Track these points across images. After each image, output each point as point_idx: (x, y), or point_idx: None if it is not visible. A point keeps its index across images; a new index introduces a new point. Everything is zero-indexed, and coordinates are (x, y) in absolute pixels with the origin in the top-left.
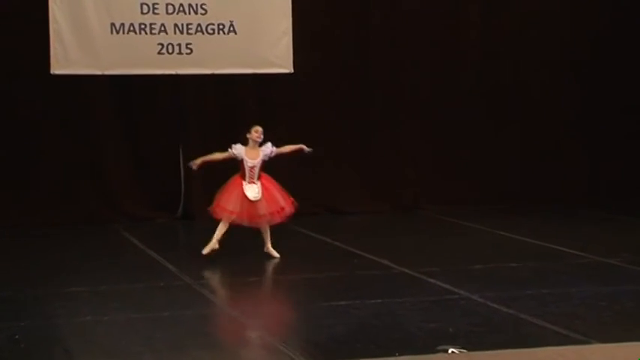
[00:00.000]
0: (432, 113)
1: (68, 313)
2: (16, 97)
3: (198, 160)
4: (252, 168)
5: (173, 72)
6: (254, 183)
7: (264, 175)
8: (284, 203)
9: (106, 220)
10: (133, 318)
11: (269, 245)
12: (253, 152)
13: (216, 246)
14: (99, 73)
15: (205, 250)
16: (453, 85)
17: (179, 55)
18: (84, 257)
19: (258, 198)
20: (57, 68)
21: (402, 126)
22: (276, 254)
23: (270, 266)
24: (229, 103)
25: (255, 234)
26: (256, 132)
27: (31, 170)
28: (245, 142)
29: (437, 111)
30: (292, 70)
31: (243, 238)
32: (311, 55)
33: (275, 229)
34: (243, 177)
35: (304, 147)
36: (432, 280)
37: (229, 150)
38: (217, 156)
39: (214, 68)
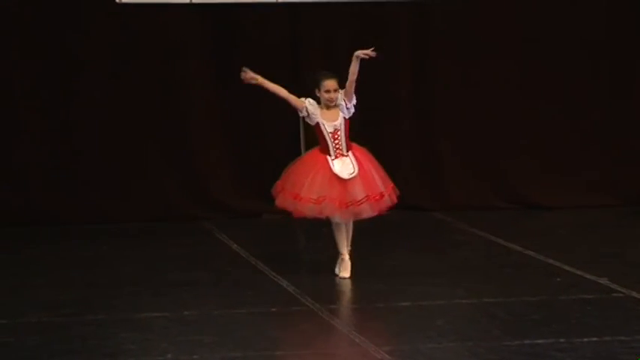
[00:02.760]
0: None
1: (141, 348)
2: (71, 39)
3: (258, 78)
4: (335, 133)
5: None
6: (344, 156)
7: (355, 146)
8: (384, 188)
9: (194, 216)
10: (232, 358)
11: (347, 251)
12: (330, 112)
13: (348, 260)
14: (185, 1)
15: (344, 273)
16: None
17: None
18: (163, 268)
19: (354, 174)
20: None
21: (633, 87)
22: (345, 275)
23: (426, 285)
24: (371, 42)
25: (407, 230)
26: (327, 92)
27: (87, 145)
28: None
29: None
30: None
31: (384, 239)
32: None
33: (434, 229)
34: (326, 150)
35: (360, 53)
36: None
37: (305, 100)
38: (281, 92)
39: None
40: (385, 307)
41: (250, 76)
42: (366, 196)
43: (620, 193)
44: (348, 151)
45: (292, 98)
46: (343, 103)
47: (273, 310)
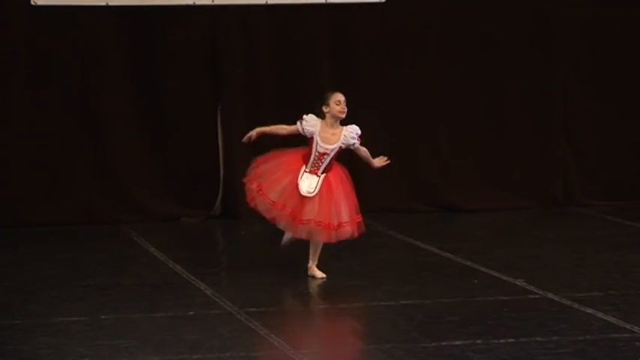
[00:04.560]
0: (603, 77)
1: (58, 353)
2: None
3: (254, 132)
4: (322, 155)
5: (209, 2)
6: (316, 175)
7: (337, 168)
8: (344, 219)
9: (111, 220)
10: None
11: (313, 263)
12: (331, 133)
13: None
14: (101, 3)
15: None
16: None
17: None
18: (81, 272)
19: (311, 194)
20: None
21: (554, 90)
22: (320, 275)
23: (348, 287)
24: (291, 44)
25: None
26: (338, 103)
27: (3, 148)
28: (320, 115)
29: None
30: None
31: (302, 241)
32: None
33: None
34: (306, 160)
35: (376, 164)
36: (590, 311)
37: (298, 123)
38: (281, 130)
39: None
40: (304, 310)
41: (251, 136)
42: (313, 220)
43: (536, 195)
44: (322, 173)
45: (291, 130)
46: (354, 141)
47: (192, 313)
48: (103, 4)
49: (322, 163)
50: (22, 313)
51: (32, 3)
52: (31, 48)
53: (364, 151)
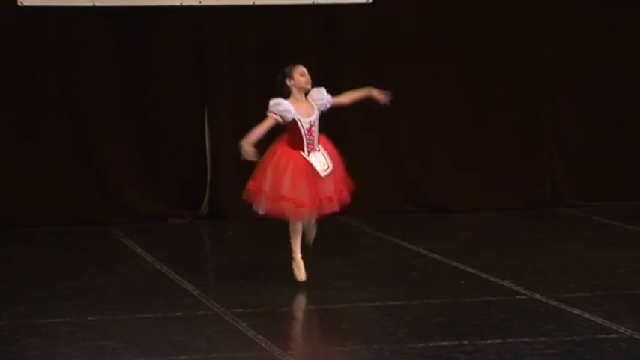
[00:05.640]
0: (591, 78)
1: (45, 354)
2: None
3: (247, 146)
4: (310, 130)
5: (196, 2)
6: (316, 150)
7: (321, 136)
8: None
9: (99, 221)
10: None
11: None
12: (304, 106)
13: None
14: (88, 4)
15: (301, 276)
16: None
17: None
18: (68, 273)
19: (328, 172)
20: None
21: (542, 90)
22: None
23: (335, 288)
24: (279, 45)
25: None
26: (302, 75)
27: None
28: (284, 91)
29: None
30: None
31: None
32: None
33: (340, 233)
34: (297, 145)
35: (375, 93)
36: (577, 311)
37: (269, 114)
38: (262, 129)
39: None
40: (291, 311)
41: (251, 153)
42: (335, 192)
43: (524, 196)
44: (318, 145)
45: (270, 124)
46: (324, 100)
47: (179, 314)
48: (90, 4)
49: (313, 137)
50: (9, 314)
51: (19, 4)
52: (18, 49)
53: (345, 96)
